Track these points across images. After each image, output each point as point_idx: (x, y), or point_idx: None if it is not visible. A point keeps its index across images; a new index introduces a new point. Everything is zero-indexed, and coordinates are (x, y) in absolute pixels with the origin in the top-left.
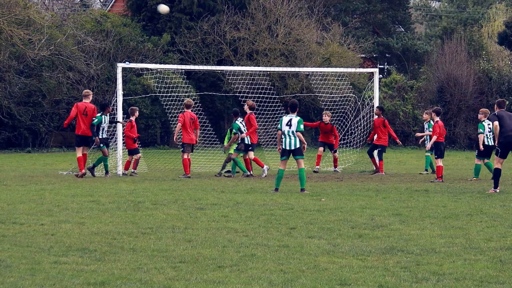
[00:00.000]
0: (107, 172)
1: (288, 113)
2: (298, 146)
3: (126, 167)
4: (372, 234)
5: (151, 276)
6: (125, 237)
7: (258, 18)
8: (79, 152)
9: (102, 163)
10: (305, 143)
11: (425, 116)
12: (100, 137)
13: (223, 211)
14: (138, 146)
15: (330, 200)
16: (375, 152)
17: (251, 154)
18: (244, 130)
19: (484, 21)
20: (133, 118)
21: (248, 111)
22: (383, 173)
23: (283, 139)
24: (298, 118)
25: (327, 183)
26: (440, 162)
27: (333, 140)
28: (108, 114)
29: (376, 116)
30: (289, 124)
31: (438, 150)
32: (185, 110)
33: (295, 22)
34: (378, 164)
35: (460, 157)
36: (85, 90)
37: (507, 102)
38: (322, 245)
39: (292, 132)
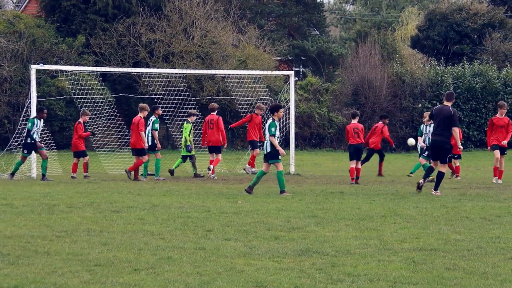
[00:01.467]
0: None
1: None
2: (269, 150)
3: (74, 170)
4: (288, 236)
5: (66, 280)
6: (39, 241)
7: (174, 21)
8: None
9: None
10: (278, 147)
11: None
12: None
13: (139, 214)
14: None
15: (247, 203)
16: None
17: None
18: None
19: (397, 24)
20: (81, 120)
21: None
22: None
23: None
24: (271, 121)
25: (243, 185)
26: (353, 164)
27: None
28: (42, 119)
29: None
30: (265, 127)
31: (349, 152)
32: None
33: (211, 25)
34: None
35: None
36: None
37: (425, 104)
38: (239, 247)
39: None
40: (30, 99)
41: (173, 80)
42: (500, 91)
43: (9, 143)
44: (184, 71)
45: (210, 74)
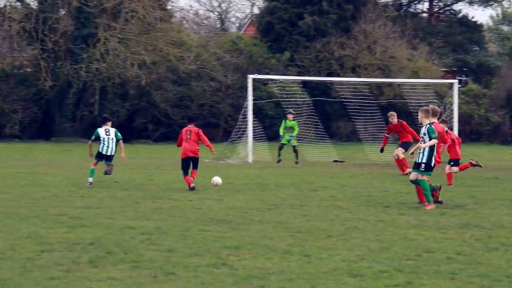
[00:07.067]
0: None
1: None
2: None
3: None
4: (452, 212)
5: (275, 243)
6: (254, 212)
7: (360, 40)
8: None
9: None
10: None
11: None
12: None
13: (331, 192)
14: None
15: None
16: None
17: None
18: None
19: None
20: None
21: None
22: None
23: None
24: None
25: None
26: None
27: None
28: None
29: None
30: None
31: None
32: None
33: (390, 43)
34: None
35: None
36: None
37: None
38: (411, 221)
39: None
40: (247, 101)
41: (358, 87)
42: None
43: (231, 136)
44: (368, 79)
45: (388, 82)
